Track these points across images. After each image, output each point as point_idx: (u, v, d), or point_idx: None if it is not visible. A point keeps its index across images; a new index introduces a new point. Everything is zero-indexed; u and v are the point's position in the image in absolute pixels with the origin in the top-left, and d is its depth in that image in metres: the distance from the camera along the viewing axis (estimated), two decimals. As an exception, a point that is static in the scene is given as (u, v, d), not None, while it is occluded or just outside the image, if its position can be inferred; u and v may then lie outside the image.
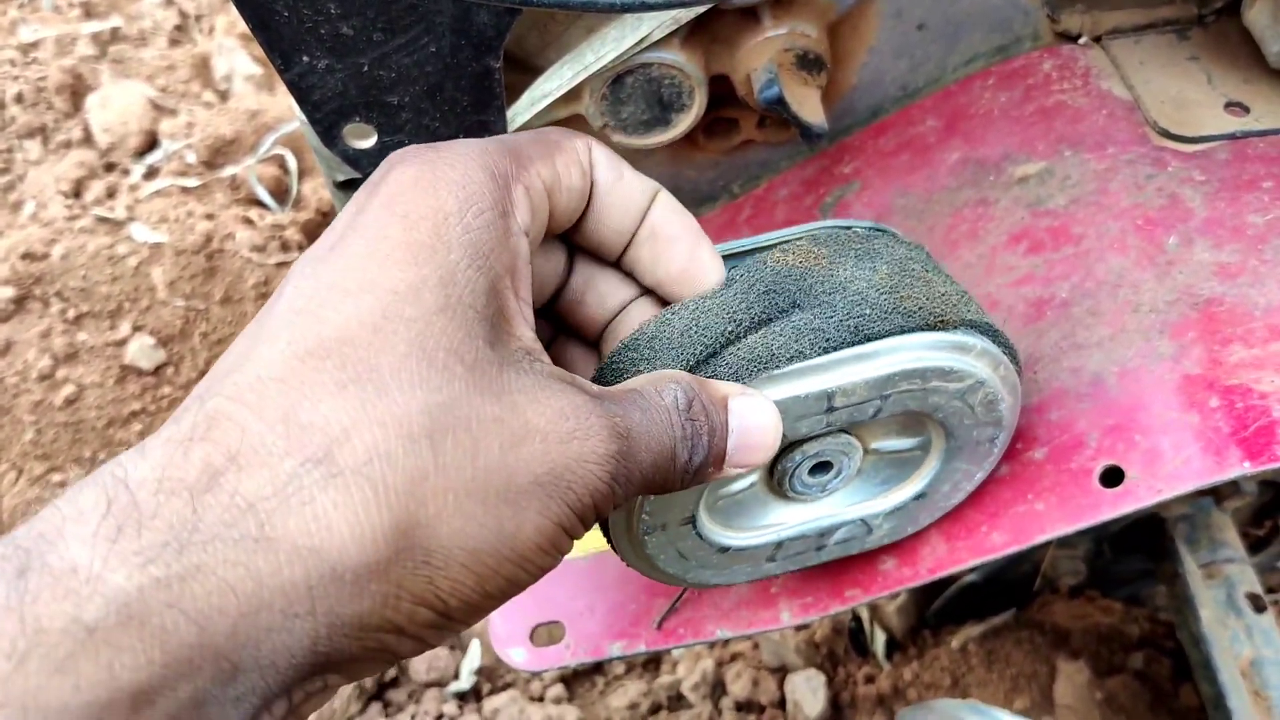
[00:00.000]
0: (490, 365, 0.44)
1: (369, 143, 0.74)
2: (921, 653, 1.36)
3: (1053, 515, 0.65)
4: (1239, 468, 0.61)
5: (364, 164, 0.75)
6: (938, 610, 1.35)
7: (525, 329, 0.48)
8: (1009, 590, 1.32)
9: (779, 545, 0.66)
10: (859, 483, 0.66)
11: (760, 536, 0.65)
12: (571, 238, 0.57)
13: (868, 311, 0.55)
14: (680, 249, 0.56)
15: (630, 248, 0.57)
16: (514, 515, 0.43)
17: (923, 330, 0.56)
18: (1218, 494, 1.07)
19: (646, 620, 0.77)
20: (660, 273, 0.57)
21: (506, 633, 0.80)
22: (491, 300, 0.46)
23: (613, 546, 0.62)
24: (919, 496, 0.66)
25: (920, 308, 0.56)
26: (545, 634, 0.79)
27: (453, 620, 0.44)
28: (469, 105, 0.71)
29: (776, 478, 0.62)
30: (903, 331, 0.55)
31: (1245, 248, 0.70)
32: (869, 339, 0.55)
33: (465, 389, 0.43)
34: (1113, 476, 0.64)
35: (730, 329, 0.55)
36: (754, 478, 0.64)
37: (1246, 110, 0.78)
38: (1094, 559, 1.21)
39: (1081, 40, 0.85)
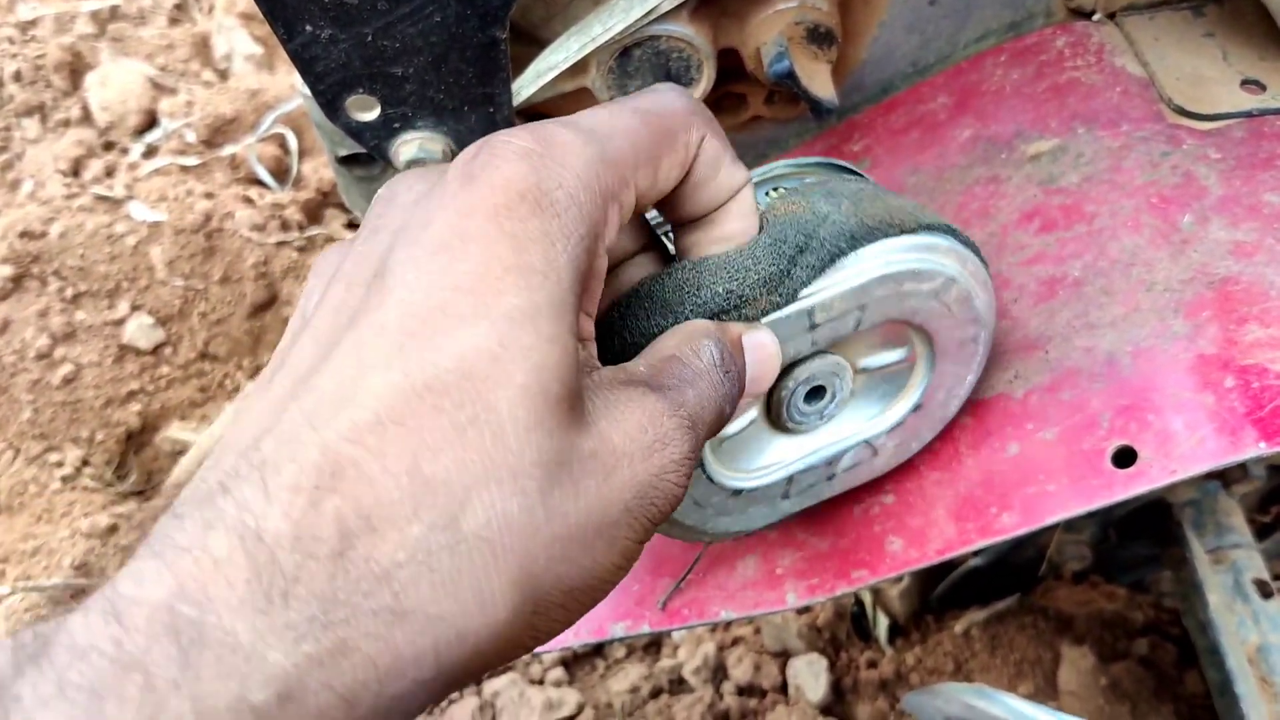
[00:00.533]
0: (587, 393, 0.45)
1: (372, 115, 0.73)
2: (924, 637, 1.35)
3: (1064, 496, 0.64)
4: (1254, 448, 0.60)
5: (367, 137, 0.74)
6: (941, 595, 1.35)
7: (590, 328, 0.49)
8: (1013, 575, 1.31)
9: (790, 481, 0.66)
10: (856, 406, 0.66)
11: (769, 475, 0.65)
12: None
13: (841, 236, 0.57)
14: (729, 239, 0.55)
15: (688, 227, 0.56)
16: (606, 548, 0.44)
17: (888, 238, 0.57)
18: (1225, 478, 1.07)
19: (650, 601, 0.76)
20: (696, 245, 0.56)
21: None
22: (584, 319, 0.47)
23: None
24: (916, 408, 0.66)
25: (882, 220, 0.57)
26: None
27: (527, 649, 0.44)
28: (474, 77, 0.70)
29: (774, 412, 0.63)
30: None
31: (1262, 226, 0.69)
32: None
33: (571, 428, 0.43)
34: (1125, 457, 0.63)
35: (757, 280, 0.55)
36: (753, 414, 0.64)
37: (1263, 88, 0.77)
38: (1099, 544, 1.20)
39: (1095, 17, 0.84)
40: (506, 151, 0.45)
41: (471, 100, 0.72)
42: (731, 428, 0.63)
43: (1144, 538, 1.15)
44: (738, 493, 0.65)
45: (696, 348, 0.50)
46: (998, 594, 1.34)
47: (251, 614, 0.36)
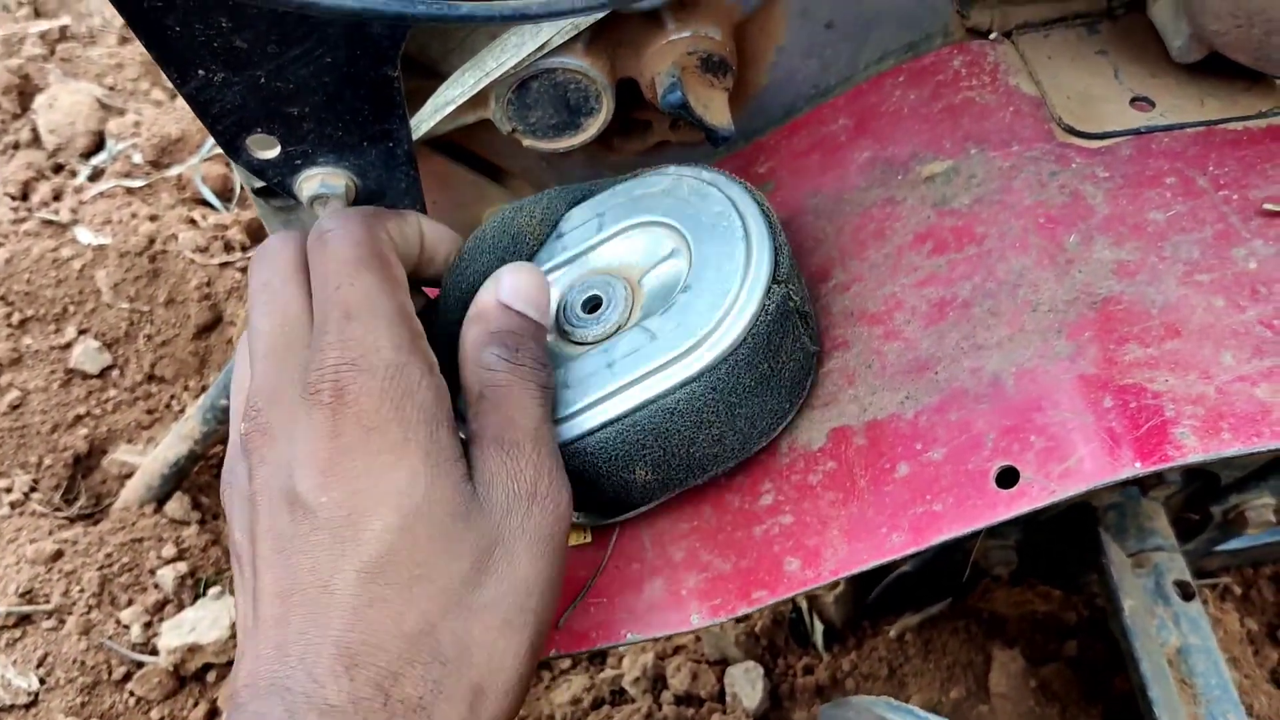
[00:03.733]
0: (472, 504, 0.59)
1: (273, 153, 0.74)
2: (860, 643, 1.36)
3: (950, 516, 0.65)
4: (1131, 468, 0.62)
5: (270, 174, 0.75)
6: (876, 600, 1.36)
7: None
8: (946, 579, 1.32)
9: (566, 369, 0.71)
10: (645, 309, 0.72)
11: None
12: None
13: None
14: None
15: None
16: (541, 597, 0.61)
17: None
18: (1142, 485, 1.08)
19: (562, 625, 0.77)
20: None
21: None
22: (453, 438, 0.60)
23: None
24: (685, 289, 0.69)
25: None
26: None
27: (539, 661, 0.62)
28: (370, 114, 0.71)
29: (561, 327, 0.73)
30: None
31: (1145, 245, 0.70)
32: None
33: (469, 539, 0.58)
34: (1008, 477, 0.64)
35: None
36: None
37: (1152, 105, 0.78)
38: (1028, 548, 1.21)
39: (992, 35, 0.85)
40: (347, 372, 0.58)
41: (370, 136, 0.73)
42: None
43: (1071, 541, 1.16)
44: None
45: (484, 362, 0.64)
46: (931, 598, 1.35)
47: None
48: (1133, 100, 0.79)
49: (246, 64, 0.67)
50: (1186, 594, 1.05)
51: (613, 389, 0.68)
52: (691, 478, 0.72)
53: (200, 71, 0.67)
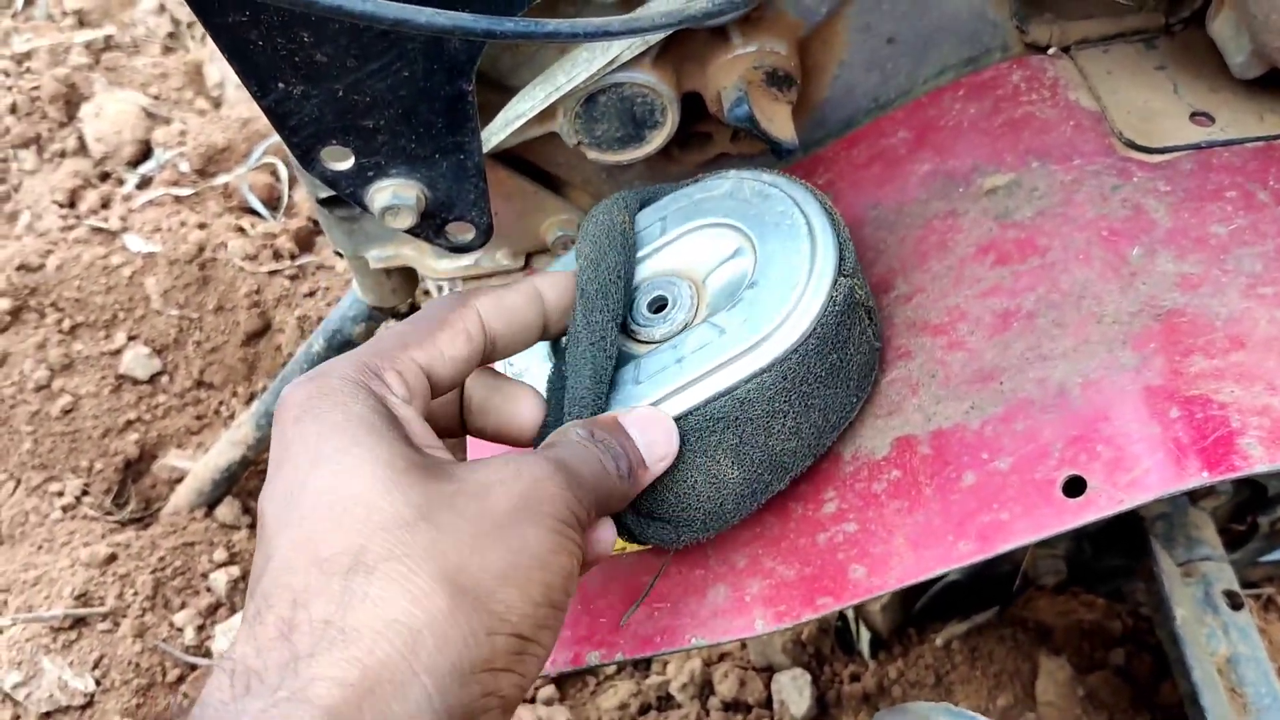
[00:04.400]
0: (431, 463, 0.57)
1: (347, 164, 0.75)
2: (906, 651, 1.37)
3: (1017, 524, 0.66)
4: (1198, 478, 0.63)
5: (343, 185, 0.76)
6: (922, 608, 1.37)
7: (440, 452, 0.60)
8: (992, 588, 1.33)
9: (638, 366, 0.73)
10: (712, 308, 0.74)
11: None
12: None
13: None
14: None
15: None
16: (517, 534, 0.55)
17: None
18: (1193, 495, 1.09)
19: (626, 629, 0.78)
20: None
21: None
22: (406, 440, 0.58)
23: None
24: (751, 285, 0.71)
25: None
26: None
27: (527, 640, 0.54)
28: (444, 127, 0.73)
29: (628, 327, 0.75)
30: None
31: (1208, 258, 0.71)
32: None
33: (423, 480, 0.55)
34: (1075, 486, 0.65)
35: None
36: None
37: (1212, 120, 0.79)
38: (1075, 557, 1.22)
39: (1051, 51, 0.86)
40: (292, 406, 0.58)
41: (442, 149, 0.74)
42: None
43: (1118, 550, 1.17)
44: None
45: (564, 432, 0.64)
46: (977, 607, 1.36)
47: (238, 700, 0.47)
48: (1192, 115, 0.80)
49: (325, 77, 0.68)
50: (1235, 604, 1.06)
51: (684, 382, 0.69)
52: (775, 477, 0.72)
53: (280, 84, 0.69)
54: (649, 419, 0.68)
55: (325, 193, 0.90)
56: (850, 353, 0.71)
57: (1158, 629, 1.07)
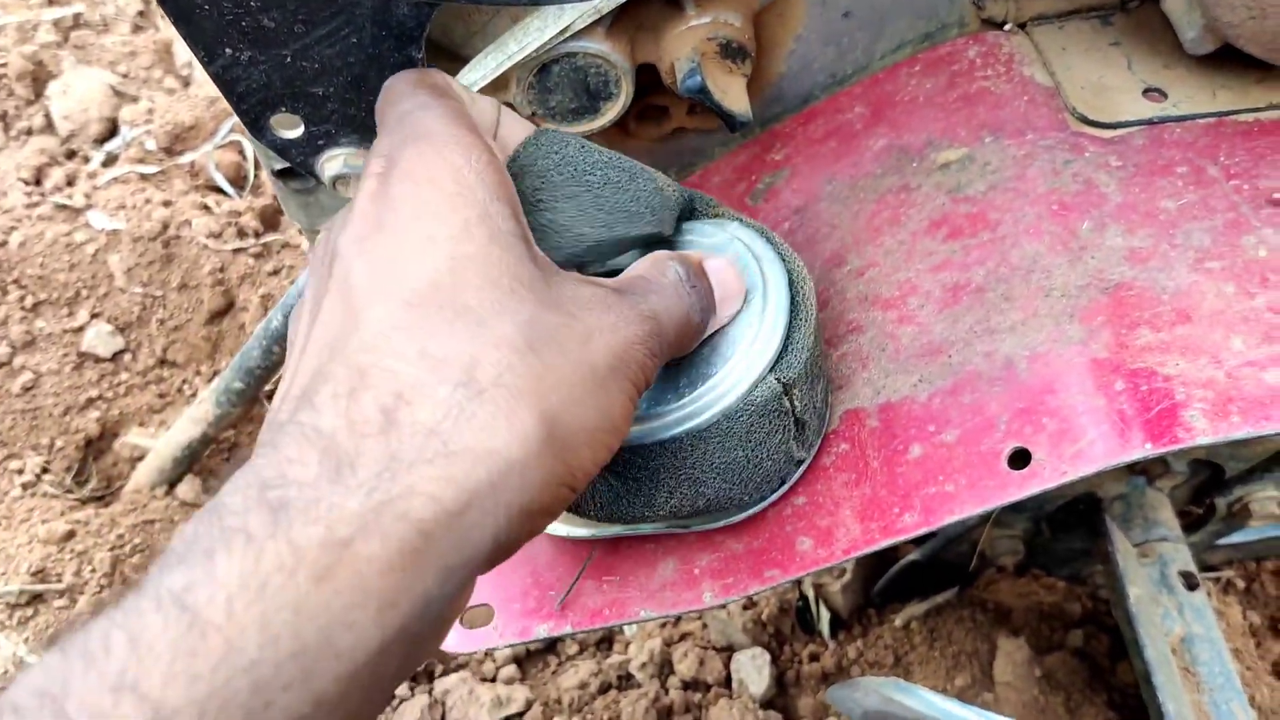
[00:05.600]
0: (539, 281, 0.54)
1: (296, 132, 0.74)
2: (866, 631, 1.37)
3: (962, 496, 0.66)
4: (1141, 449, 0.63)
5: (293, 153, 0.76)
6: (882, 589, 1.37)
7: (537, 249, 0.58)
8: (951, 569, 1.33)
9: None
10: None
11: None
12: None
13: None
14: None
15: None
16: (606, 395, 0.54)
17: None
18: (1148, 474, 1.09)
19: (573, 602, 0.78)
20: None
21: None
22: (517, 224, 0.55)
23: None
24: (708, 344, 0.69)
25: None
26: (474, 617, 0.80)
27: (575, 493, 0.54)
28: (394, 95, 0.72)
29: None
30: None
31: (1157, 232, 0.71)
32: None
33: (534, 306, 0.53)
34: (1020, 458, 0.65)
35: None
36: None
37: (1164, 96, 0.79)
38: (1033, 538, 1.22)
39: (1007, 26, 0.86)
40: (396, 141, 0.57)
41: (393, 117, 0.74)
42: None
43: (1077, 533, 1.17)
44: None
45: (663, 269, 0.63)
46: (937, 587, 1.36)
47: (326, 483, 0.45)
48: (1145, 91, 0.80)
49: (273, 43, 0.68)
50: (1191, 584, 1.06)
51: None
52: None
53: (227, 50, 0.68)
54: (725, 271, 0.67)
55: (280, 164, 0.89)
56: (760, 456, 0.69)
57: (1114, 609, 1.08)
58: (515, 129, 0.66)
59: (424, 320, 0.50)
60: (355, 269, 0.53)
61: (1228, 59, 0.78)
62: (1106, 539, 1.06)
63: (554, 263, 0.58)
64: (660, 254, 0.65)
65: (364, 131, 0.74)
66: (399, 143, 0.57)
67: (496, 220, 0.54)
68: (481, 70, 0.76)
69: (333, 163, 0.76)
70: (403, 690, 1.36)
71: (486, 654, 1.39)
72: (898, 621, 1.35)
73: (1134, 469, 1.08)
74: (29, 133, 2.01)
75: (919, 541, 1.29)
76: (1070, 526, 1.18)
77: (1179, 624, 1.02)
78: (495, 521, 0.48)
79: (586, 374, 0.53)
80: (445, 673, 1.39)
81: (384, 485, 0.46)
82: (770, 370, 0.67)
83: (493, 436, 0.48)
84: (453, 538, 0.47)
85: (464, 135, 0.56)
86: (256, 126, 0.74)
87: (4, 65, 2.08)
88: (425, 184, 0.54)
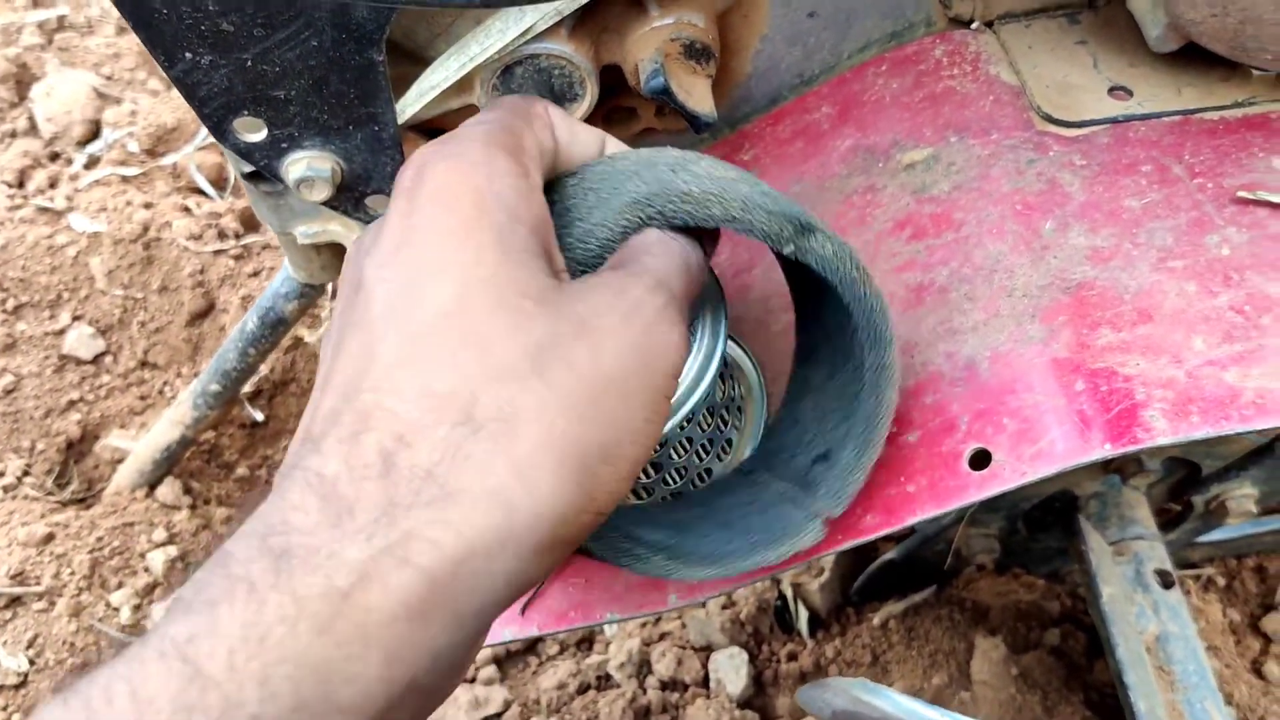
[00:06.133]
0: (551, 292, 0.52)
1: (260, 136, 0.74)
2: (844, 630, 1.37)
3: (922, 497, 0.66)
4: (1101, 450, 0.63)
5: (256, 156, 0.76)
6: (860, 587, 1.37)
7: (562, 262, 0.57)
8: (927, 568, 1.33)
9: None
10: None
11: None
12: None
13: None
14: None
15: None
16: (624, 405, 0.51)
17: None
18: (1122, 472, 1.09)
19: (540, 604, 0.78)
20: None
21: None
22: (535, 239, 0.54)
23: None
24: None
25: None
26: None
27: (603, 515, 0.52)
28: (356, 97, 0.72)
29: None
30: None
31: (1120, 232, 0.71)
32: None
33: (544, 321, 0.50)
34: (981, 459, 0.65)
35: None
36: None
37: (1130, 94, 0.79)
38: (1010, 537, 1.22)
39: (974, 25, 0.86)
40: (428, 154, 0.56)
41: (356, 119, 0.74)
42: None
43: (1053, 531, 1.17)
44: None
45: (644, 234, 0.59)
46: (915, 586, 1.36)
47: (326, 530, 0.45)
48: (1111, 89, 0.80)
49: (233, 47, 0.68)
50: (1166, 582, 1.06)
51: None
52: None
53: (187, 54, 0.68)
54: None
55: (248, 167, 0.89)
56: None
57: (1090, 608, 1.08)
58: (587, 138, 0.64)
59: (429, 353, 0.49)
60: (376, 296, 0.52)
61: (1193, 57, 0.78)
62: (1079, 538, 1.06)
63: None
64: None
65: (327, 134, 0.74)
66: (432, 156, 0.55)
67: (511, 240, 0.52)
68: (444, 72, 0.76)
69: (296, 165, 0.76)
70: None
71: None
72: (876, 620, 1.35)
73: (1108, 467, 1.08)
74: (13, 135, 2.00)
75: (896, 540, 1.30)
76: (1047, 525, 1.18)
77: (1154, 622, 1.02)
78: (506, 563, 0.47)
79: (598, 388, 0.50)
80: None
81: (382, 531, 0.45)
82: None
83: (491, 476, 0.47)
84: (460, 584, 0.45)
85: (495, 156, 0.55)
86: (220, 130, 0.74)
87: (-12, 68, 2.08)
88: (446, 207, 0.53)
